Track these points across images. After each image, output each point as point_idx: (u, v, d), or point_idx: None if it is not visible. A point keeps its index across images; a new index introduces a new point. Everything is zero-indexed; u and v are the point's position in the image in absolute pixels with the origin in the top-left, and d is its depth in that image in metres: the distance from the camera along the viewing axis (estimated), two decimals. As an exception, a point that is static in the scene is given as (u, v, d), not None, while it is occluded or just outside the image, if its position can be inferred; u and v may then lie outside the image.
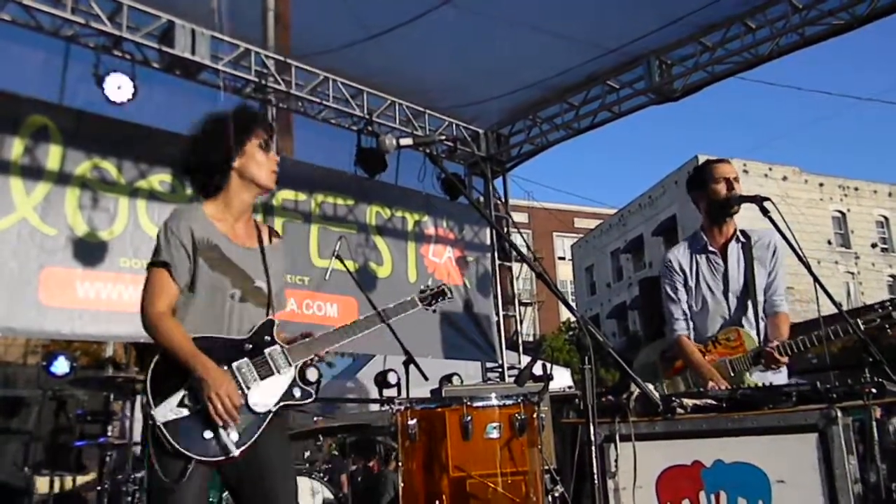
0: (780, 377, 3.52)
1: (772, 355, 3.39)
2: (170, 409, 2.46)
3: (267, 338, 2.66)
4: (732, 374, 3.52)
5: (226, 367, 2.54)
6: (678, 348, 3.72)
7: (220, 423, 2.46)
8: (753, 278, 3.64)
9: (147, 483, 2.51)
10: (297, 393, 2.66)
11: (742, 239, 3.73)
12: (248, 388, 2.56)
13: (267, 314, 2.74)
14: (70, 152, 6.09)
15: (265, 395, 2.58)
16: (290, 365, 2.66)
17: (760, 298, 3.65)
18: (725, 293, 3.71)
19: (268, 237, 2.88)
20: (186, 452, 2.42)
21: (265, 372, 2.61)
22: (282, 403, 2.63)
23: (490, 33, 6.90)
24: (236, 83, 6.98)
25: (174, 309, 2.59)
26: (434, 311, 3.06)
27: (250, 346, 2.63)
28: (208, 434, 2.47)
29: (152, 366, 2.52)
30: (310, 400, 2.71)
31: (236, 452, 2.48)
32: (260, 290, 2.73)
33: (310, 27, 6.97)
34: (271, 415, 2.59)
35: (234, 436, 2.50)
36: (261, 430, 2.54)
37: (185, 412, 2.47)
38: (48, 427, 6.49)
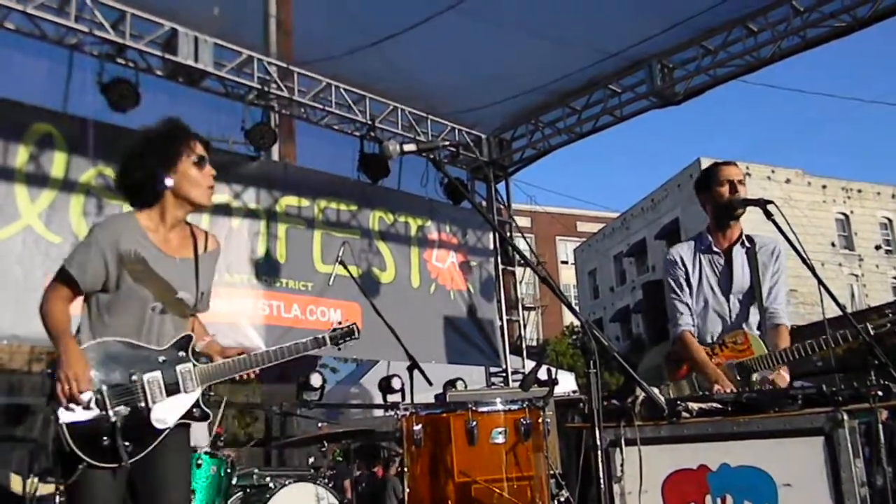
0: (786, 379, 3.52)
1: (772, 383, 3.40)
2: (75, 410, 2.51)
3: (181, 353, 2.71)
4: (739, 378, 3.51)
5: (136, 377, 2.59)
6: (681, 344, 3.70)
7: (63, 403, 2.48)
8: (759, 284, 3.63)
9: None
10: (196, 413, 2.72)
11: (747, 244, 3.72)
12: (154, 402, 2.60)
13: (186, 326, 2.80)
14: (74, 160, 6.11)
15: (167, 411, 2.63)
16: (197, 386, 2.71)
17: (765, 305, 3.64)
18: (727, 294, 3.70)
19: (203, 245, 2.90)
20: (80, 454, 2.48)
21: (172, 389, 2.65)
22: (180, 421, 2.68)
23: (492, 38, 6.92)
24: (239, 90, 6.99)
25: (98, 312, 2.66)
26: (339, 350, 3.04)
27: (163, 359, 2.67)
28: (105, 440, 2.51)
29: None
30: (206, 420, 2.76)
31: (126, 462, 2.51)
32: (182, 302, 2.76)
33: (312, 34, 6.99)
34: (168, 431, 2.64)
35: (129, 446, 2.54)
36: (155, 444, 2.59)
37: (91, 415, 2.51)
38: (53, 434, 6.48)
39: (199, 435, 5.43)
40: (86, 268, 2.63)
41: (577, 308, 3.20)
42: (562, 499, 4.02)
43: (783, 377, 3.49)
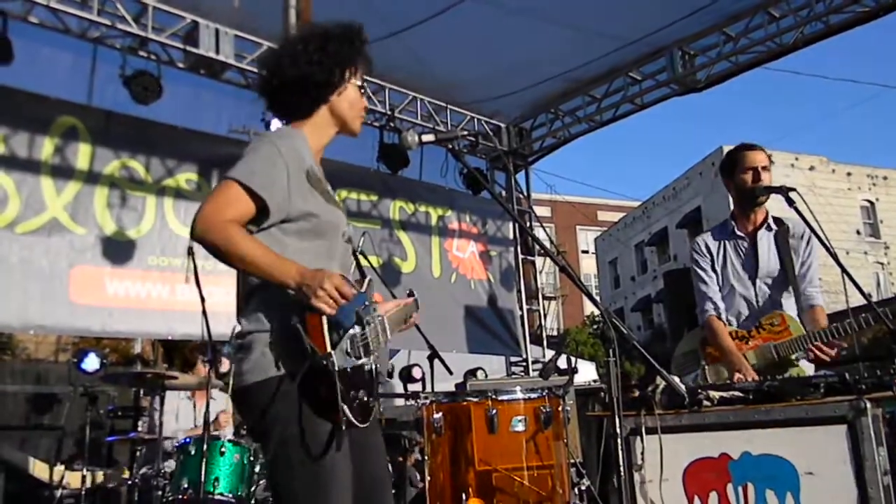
0: (811, 366, 3.49)
1: (817, 355, 3.35)
2: (342, 354, 2.01)
3: (373, 301, 2.31)
4: (778, 359, 3.47)
5: (362, 323, 2.16)
6: (708, 330, 3.69)
7: (331, 311, 1.99)
8: (792, 265, 3.60)
9: (289, 458, 2.03)
10: (385, 371, 2.48)
11: (775, 226, 3.69)
12: (379, 351, 2.23)
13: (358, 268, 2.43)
14: (99, 152, 6.18)
15: (383, 362, 2.30)
16: (388, 338, 2.31)
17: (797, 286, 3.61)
18: (753, 279, 3.68)
19: None
20: (346, 410, 1.97)
21: (381, 339, 2.26)
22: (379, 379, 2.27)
23: (511, 27, 6.89)
24: (260, 81, 7.02)
25: (284, 244, 2.14)
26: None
27: (367, 303, 2.25)
28: (361, 394, 2.07)
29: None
30: (391, 378, 2.53)
31: (371, 418, 2.12)
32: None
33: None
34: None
35: (372, 400, 2.13)
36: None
37: (354, 362, 2.07)
38: (79, 422, 6.60)
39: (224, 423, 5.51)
40: (274, 187, 2.11)
41: (597, 298, 3.19)
42: (582, 487, 4.03)
43: (828, 352, 3.41)
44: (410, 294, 2.60)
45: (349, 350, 2.05)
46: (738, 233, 3.74)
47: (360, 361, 2.07)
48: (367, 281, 2.32)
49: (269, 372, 2.05)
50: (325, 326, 1.96)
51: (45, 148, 5.90)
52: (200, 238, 2.03)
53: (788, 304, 3.60)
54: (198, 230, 2.03)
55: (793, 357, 3.46)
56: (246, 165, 2.12)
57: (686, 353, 3.91)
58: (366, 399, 2.08)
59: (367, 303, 2.24)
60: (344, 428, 2.00)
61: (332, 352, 1.96)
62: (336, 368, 1.95)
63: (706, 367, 3.69)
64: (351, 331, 2.08)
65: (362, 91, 2.40)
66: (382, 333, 2.28)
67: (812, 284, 3.63)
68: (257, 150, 2.17)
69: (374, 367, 2.16)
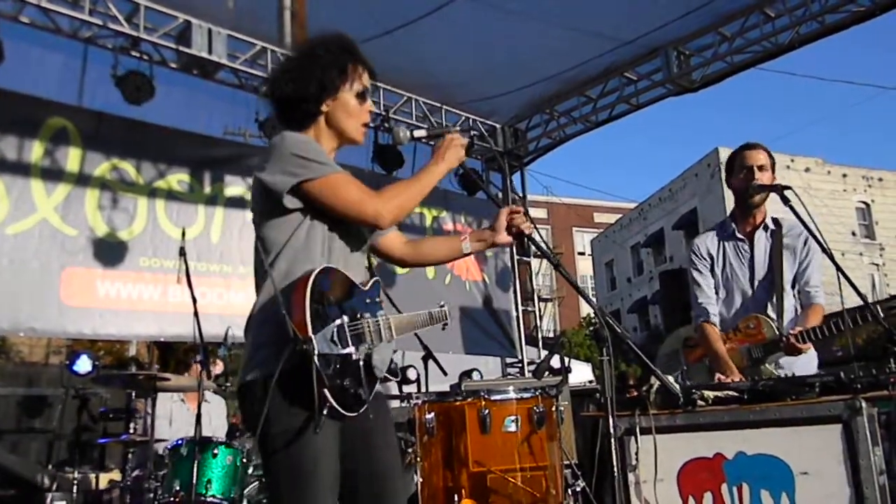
0: (809, 366, 3.47)
1: (791, 343, 3.33)
2: (325, 341, 2.05)
3: (378, 299, 2.36)
4: (750, 363, 3.48)
5: (361, 315, 2.21)
6: (700, 335, 3.68)
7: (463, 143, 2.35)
8: (781, 267, 3.58)
9: (273, 452, 2.09)
10: (393, 366, 2.51)
11: (772, 227, 3.68)
12: (374, 344, 2.24)
13: (369, 269, 2.48)
14: (89, 153, 6.14)
15: (380, 358, 2.26)
16: (393, 338, 2.37)
17: (788, 288, 3.59)
18: (751, 280, 3.66)
19: None
20: (329, 397, 2.00)
21: (384, 336, 2.30)
22: (386, 374, 2.32)
23: (506, 27, 6.87)
24: (253, 81, 7.00)
25: (294, 247, 2.20)
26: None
27: (368, 300, 2.30)
28: (348, 383, 2.09)
29: (310, 283, 2.05)
30: (396, 378, 2.56)
31: (360, 409, 2.15)
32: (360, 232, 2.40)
33: (326, 24, 6.94)
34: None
35: (364, 392, 2.15)
36: (373, 393, 2.22)
37: (338, 349, 2.09)
38: (71, 425, 6.55)
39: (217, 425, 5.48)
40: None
41: (593, 299, 3.17)
42: (577, 488, 4.00)
43: (800, 347, 3.38)
44: (441, 306, 2.69)
45: (335, 338, 2.08)
46: (738, 234, 3.72)
47: (345, 350, 2.10)
48: (372, 281, 2.37)
49: (256, 373, 2.12)
50: (309, 315, 2.00)
51: (35, 150, 5.87)
52: (392, 222, 2.29)
53: (772, 305, 3.59)
54: (384, 221, 2.24)
55: (766, 361, 3.45)
56: (323, 158, 2.23)
57: (668, 353, 3.91)
58: (353, 389, 2.10)
59: (368, 300, 2.29)
60: (325, 413, 2.01)
61: (314, 336, 1.99)
62: (316, 353, 1.98)
63: (686, 368, 3.69)
64: (338, 320, 2.11)
65: (363, 98, 2.41)
66: (387, 330, 2.32)
67: (811, 284, 3.61)
68: (309, 143, 2.25)
69: (364, 358, 2.17)
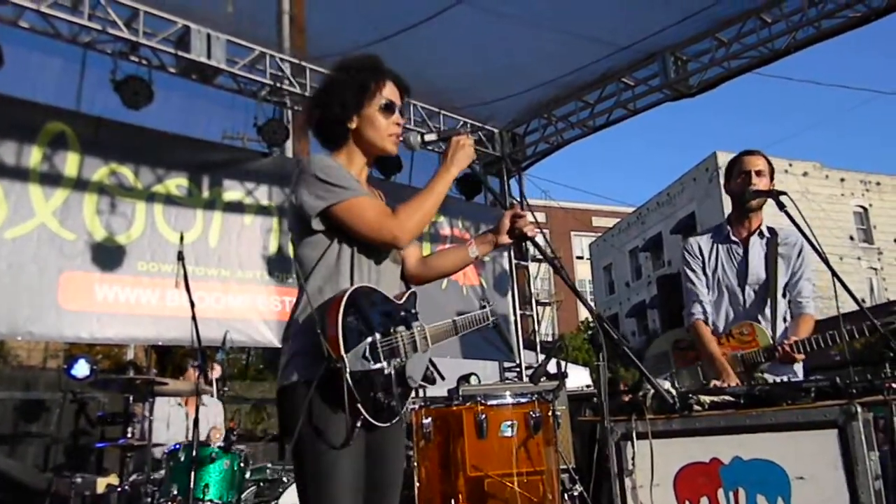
0: (796, 374, 3.48)
1: (787, 352, 3.35)
2: (357, 358, 2.16)
3: (413, 310, 2.46)
4: (743, 370, 3.49)
5: (394, 329, 2.32)
6: (693, 333, 3.69)
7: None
8: (775, 275, 3.59)
9: (301, 453, 2.20)
10: (430, 375, 2.62)
11: (767, 234, 3.69)
12: (407, 357, 2.33)
13: (403, 281, 2.58)
14: (88, 158, 6.15)
15: (414, 369, 2.35)
16: (429, 347, 2.46)
17: (781, 296, 3.61)
18: (742, 285, 3.67)
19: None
20: (361, 409, 2.12)
21: (419, 346, 2.40)
22: (419, 384, 2.42)
23: (504, 32, 6.89)
24: (252, 86, 7.01)
25: (339, 254, 2.33)
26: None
27: (403, 313, 2.40)
28: (381, 396, 2.20)
29: (343, 302, 2.16)
30: (433, 384, 2.61)
31: (393, 420, 2.27)
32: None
33: (324, 29, 6.99)
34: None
35: (397, 403, 2.25)
36: (405, 405, 2.31)
37: (370, 365, 2.19)
38: (69, 429, 6.56)
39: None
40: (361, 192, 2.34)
41: (592, 304, 3.18)
42: (575, 493, 4.01)
43: (795, 357, 3.40)
44: (482, 307, 2.80)
45: (367, 355, 2.19)
46: (733, 238, 3.73)
47: (377, 365, 2.20)
48: (408, 293, 2.48)
49: (293, 377, 2.24)
50: (341, 335, 2.13)
51: (34, 154, 5.87)
52: (410, 241, 2.43)
53: (765, 314, 3.60)
54: (402, 241, 2.37)
55: (757, 369, 3.46)
56: (344, 182, 2.33)
57: (657, 355, 3.91)
58: (384, 400, 2.21)
59: (403, 312, 2.40)
60: (359, 425, 2.14)
61: (346, 356, 2.11)
62: (348, 371, 2.11)
63: (675, 370, 3.69)
64: (370, 337, 2.22)
65: (389, 110, 2.50)
66: (422, 340, 2.43)
67: (802, 294, 3.62)
68: (331, 167, 2.36)
69: (395, 371, 2.28)
